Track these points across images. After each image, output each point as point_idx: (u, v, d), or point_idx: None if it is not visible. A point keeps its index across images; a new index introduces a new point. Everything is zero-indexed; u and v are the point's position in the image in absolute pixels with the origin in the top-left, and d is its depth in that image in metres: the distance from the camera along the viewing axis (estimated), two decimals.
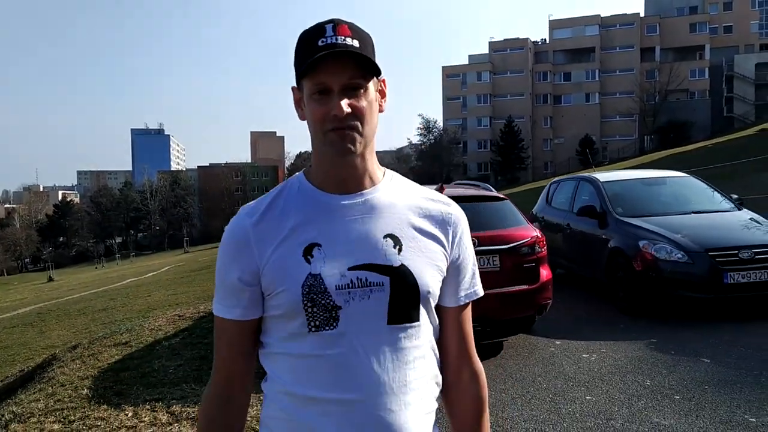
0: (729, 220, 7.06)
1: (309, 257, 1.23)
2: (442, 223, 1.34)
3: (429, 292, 1.29)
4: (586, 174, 9.03)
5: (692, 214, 7.22)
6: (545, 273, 5.81)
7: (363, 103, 1.23)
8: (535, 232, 5.80)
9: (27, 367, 9.03)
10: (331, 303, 1.22)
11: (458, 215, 1.38)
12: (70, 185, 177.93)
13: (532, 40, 75.74)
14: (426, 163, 70.00)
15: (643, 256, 6.58)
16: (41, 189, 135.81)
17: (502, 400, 4.57)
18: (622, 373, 5.02)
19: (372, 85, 1.26)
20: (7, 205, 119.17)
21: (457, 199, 6.11)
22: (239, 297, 1.27)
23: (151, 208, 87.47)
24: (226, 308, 1.29)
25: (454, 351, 1.39)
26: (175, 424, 4.29)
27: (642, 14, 72.35)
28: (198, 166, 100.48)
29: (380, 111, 1.30)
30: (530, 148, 70.53)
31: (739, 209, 7.48)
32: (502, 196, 6.23)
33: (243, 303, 1.28)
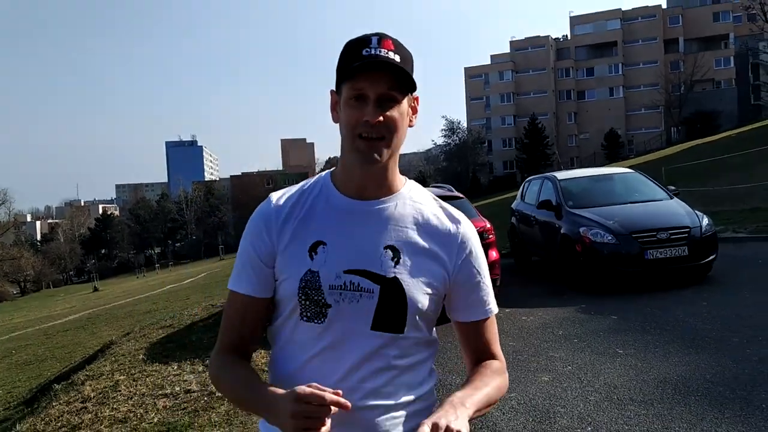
0: (657, 208, 8.45)
1: (313, 254, 1.31)
2: (448, 242, 1.37)
3: (418, 309, 1.32)
4: (548, 174, 10.47)
5: (629, 204, 8.62)
6: (493, 254, 7.34)
7: (395, 114, 1.28)
8: (483, 223, 7.33)
9: (86, 355, 10.85)
10: (323, 300, 1.29)
11: (468, 234, 1.40)
12: (110, 199, 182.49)
13: (553, 37, 76.47)
14: (452, 163, 71.26)
15: (583, 239, 8.02)
16: (82, 203, 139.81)
17: (442, 349, 6.09)
18: (544, 327, 6.52)
19: (406, 100, 1.31)
20: (50, 221, 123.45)
21: None
22: (256, 274, 1.36)
23: (187, 218, 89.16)
24: (240, 283, 1.37)
25: (472, 360, 1.46)
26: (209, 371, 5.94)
27: (664, 6, 72.43)
28: (231, 176, 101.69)
29: (410, 125, 1.34)
30: (555, 144, 71.18)
31: (671, 198, 8.84)
32: (460, 195, 7.79)
33: (254, 280, 1.36)
